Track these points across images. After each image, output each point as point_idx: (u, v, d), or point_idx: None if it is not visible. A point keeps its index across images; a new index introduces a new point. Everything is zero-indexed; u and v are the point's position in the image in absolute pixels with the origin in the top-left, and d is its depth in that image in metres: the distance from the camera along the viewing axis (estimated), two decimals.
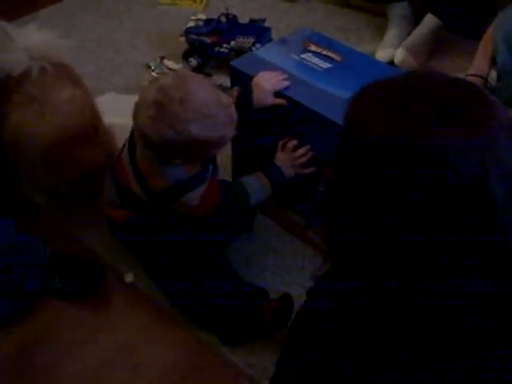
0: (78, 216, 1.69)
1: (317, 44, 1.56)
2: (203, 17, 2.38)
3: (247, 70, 1.50)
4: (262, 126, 1.54)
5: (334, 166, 0.82)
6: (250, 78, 1.46)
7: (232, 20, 2.32)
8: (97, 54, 2.36)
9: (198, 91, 1.27)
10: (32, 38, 1.59)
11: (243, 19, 2.40)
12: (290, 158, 1.49)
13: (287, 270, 1.60)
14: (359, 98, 0.79)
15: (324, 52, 1.53)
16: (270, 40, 2.29)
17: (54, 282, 1.52)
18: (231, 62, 1.57)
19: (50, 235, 1.64)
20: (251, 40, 2.22)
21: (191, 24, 2.30)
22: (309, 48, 1.55)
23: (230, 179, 1.78)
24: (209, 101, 1.27)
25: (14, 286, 1.44)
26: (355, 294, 0.78)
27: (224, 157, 1.77)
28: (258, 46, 2.20)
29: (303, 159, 1.48)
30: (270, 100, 1.44)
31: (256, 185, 1.48)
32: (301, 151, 1.48)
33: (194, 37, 2.26)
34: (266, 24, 2.39)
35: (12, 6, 2.43)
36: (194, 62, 2.25)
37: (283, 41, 1.61)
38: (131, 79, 2.23)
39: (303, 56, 1.53)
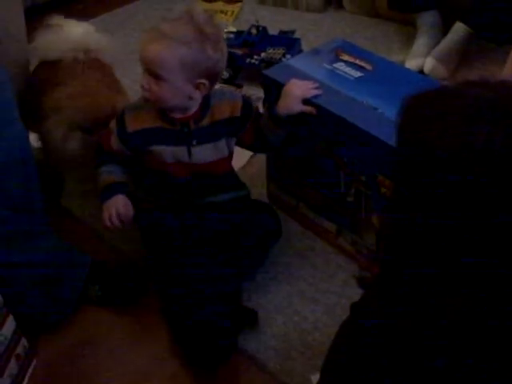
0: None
1: (349, 53, 1.58)
2: (234, 29, 2.42)
3: (279, 79, 1.52)
4: (294, 134, 1.56)
5: (391, 179, 0.81)
6: (281, 87, 1.48)
7: (262, 32, 2.36)
8: (131, 67, 2.40)
9: None
10: (72, 30, 1.79)
11: (273, 30, 2.44)
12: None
13: (320, 277, 1.61)
14: (414, 108, 0.78)
15: (356, 61, 1.55)
16: (300, 51, 2.32)
17: (94, 291, 1.54)
18: (264, 71, 1.60)
19: (90, 245, 1.67)
20: (281, 51, 2.26)
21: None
22: (341, 57, 1.57)
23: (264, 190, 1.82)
24: None
25: (54, 294, 1.47)
26: (411, 315, 0.77)
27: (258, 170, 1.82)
28: (288, 56, 2.24)
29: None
30: (299, 107, 1.45)
31: None
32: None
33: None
34: (296, 35, 2.43)
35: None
36: (225, 73, 2.28)
37: (316, 50, 1.63)
38: None
39: (335, 65, 1.55)
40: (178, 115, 1.43)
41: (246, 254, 1.53)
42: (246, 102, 1.52)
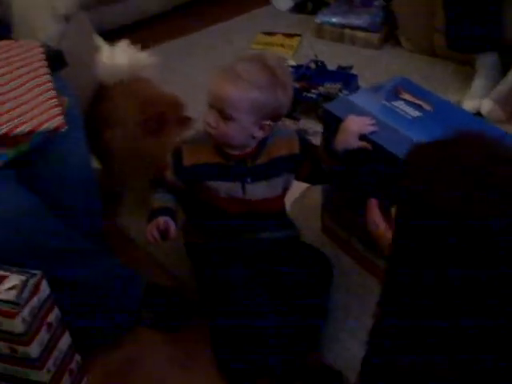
0: (171, 250, 1.74)
1: (409, 92, 1.58)
2: (293, 63, 2.46)
3: (338, 113, 1.54)
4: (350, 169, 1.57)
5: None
6: (340, 121, 1.50)
7: (321, 66, 2.40)
8: (189, 98, 2.46)
9: None
10: (120, 55, 1.89)
11: (330, 65, 2.47)
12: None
13: (368, 313, 1.58)
14: (415, 159, 0.82)
15: (415, 100, 1.56)
16: (357, 87, 2.34)
17: (146, 314, 1.57)
18: (324, 105, 1.62)
19: (144, 266, 1.71)
20: (338, 86, 2.29)
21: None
22: (401, 96, 1.58)
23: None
24: None
25: (109, 314, 1.50)
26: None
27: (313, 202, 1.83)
28: (345, 92, 2.26)
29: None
30: (355, 142, 1.47)
31: None
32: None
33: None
34: (353, 71, 2.46)
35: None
36: None
37: (376, 87, 1.65)
38: None
39: (394, 103, 1.56)
40: (235, 152, 1.46)
41: (293, 296, 1.51)
42: (302, 138, 1.55)
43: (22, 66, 1.37)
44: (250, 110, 1.37)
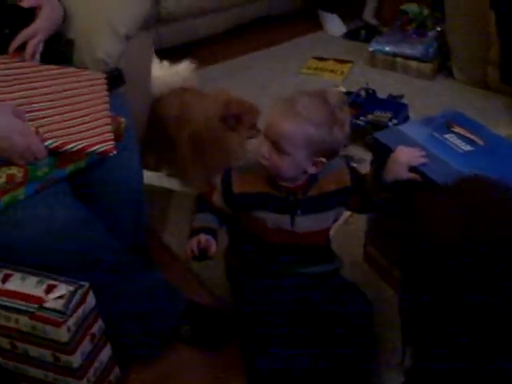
0: (213, 269, 1.74)
1: (461, 126, 1.58)
2: (343, 89, 2.47)
3: (389, 143, 1.54)
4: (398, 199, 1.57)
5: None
6: (390, 151, 1.50)
7: (371, 94, 2.41)
8: None
9: None
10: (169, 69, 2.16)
11: (380, 93, 2.48)
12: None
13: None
14: (423, 199, 0.91)
15: (467, 134, 1.55)
16: (407, 117, 2.34)
17: (185, 330, 1.58)
18: (374, 134, 1.62)
19: (185, 283, 1.73)
20: (388, 115, 2.29)
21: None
22: (452, 129, 1.57)
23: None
24: None
25: (149, 328, 1.52)
26: None
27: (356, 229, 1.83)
28: (394, 121, 2.27)
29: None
30: (405, 174, 1.46)
31: None
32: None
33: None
34: (404, 100, 2.46)
35: None
36: None
37: (428, 119, 1.64)
38: None
39: (446, 136, 1.55)
40: (286, 183, 1.46)
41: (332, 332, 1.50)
42: (352, 169, 1.54)
43: (86, 94, 1.42)
44: (305, 146, 1.36)
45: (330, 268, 1.61)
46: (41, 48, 1.47)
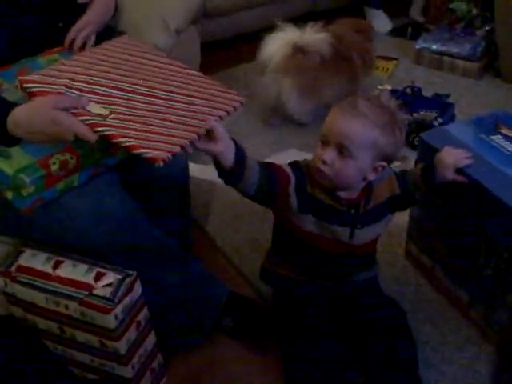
0: (255, 262, 1.74)
1: (509, 127, 1.57)
2: (389, 87, 2.46)
3: (435, 144, 1.54)
4: (442, 201, 1.57)
5: None
6: (436, 151, 1.50)
7: (417, 93, 2.39)
8: None
9: None
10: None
11: (426, 92, 2.46)
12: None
13: (448, 346, 1.58)
14: None
15: None
16: (453, 116, 2.32)
17: (226, 321, 1.61)
18: (421, 134, 1.61)
19: (227, 276, 1.75)
20: (434, 114, 2.28)
21: (376, 93, 2.39)
22: (500, 130, 1.56)
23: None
24: None
25: (191, 319, 1.55)
26: None
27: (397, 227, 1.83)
28: (439, 120, 2.25)
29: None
30: (451, 175, 1.45)
31: None
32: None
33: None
34: (450, 99, 2.43)
35: None
36: None
37: (475, 119, 1.63)
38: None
39: (493, 137, 1.54)
40: (343, 195, 1.42)
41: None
42: (398, 175, 1.51)
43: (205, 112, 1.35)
44: (371, 149, 1.34)
45: (373, 274, 1.61)
46: (92, 41, 1.49)
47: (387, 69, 2.84)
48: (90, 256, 1.32)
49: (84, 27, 1.47)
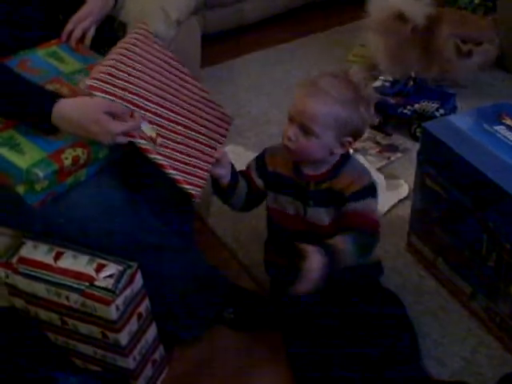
0: (256, 253, 1.75)
1: None
2: (390, 78, 2.44)
3: (438, 134, 1.54)
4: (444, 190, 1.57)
5: None
6: (440, 142, 1.50)
7: (419, 83, 2.37)
8: (284, 103, 2.49)
9: None
10: None
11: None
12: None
13: (449, 338, 1.57)
14: None
15: None
16: (455, 107, 2.31)
17: (227, 313, 1.61)
18: (424, 124, 1.61)
19: (229, 268, 1.76)
20: (435, 105, 2.27)
21: (378, 84, 2.38)
22: (503, 121, 1.55)
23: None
24: None
25: (193, 311, 1.55)
26: None
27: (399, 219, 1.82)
28: (441, 111, 2.24)
29: None
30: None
31: None
32: None
33: (379, 95, 2.33)
34: (451, 90, 2.42)
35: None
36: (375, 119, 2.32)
37: (479, 110, 1.63)
38: None
39: (496, 128, 1.54)
40: (308, 171, 1.44)
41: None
42: (369, 185, 1.43)
43: (211, 129, 1.49)
44: (333, 126, 1.34)
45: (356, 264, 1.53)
46: (92, 32, 1.49)
47: None
48: (92, 247, 1.32)
49: (83, 18, 1.47)
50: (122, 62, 1.31)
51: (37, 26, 1.45)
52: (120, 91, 1.25)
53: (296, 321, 1.51)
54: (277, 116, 2.43)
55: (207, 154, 1.41)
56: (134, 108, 1.27)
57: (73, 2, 1.48)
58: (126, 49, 1.35)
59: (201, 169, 1.37)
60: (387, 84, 2.38)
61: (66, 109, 1.21)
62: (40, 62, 1.40)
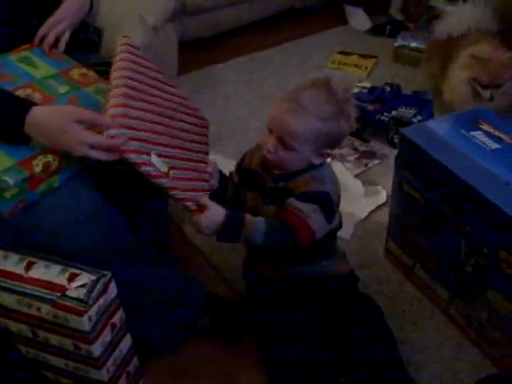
0: (234, 262, 1.75)
1: (488, 123, 1.56)
2: (368, 85, 2.45)
3: (415, 140, 1.53)
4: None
5: None
6: (417, 147, 1.50)
7: (395, 90, 2.38)
8: (262, 111, 2.47)
9: None
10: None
11: (406, 89, 2.45)
12: None
13: (428, 344, 1.56)
14: None
15: (495, 132, 1.53)
16: (432, 113, 2.32)
17: (204, 322, 1.58)
18: (402, 130, 1.60)
19: (206, 277, 1.72)
20: (413, 111, 2.27)
21: (356, 90, 2.38)
22: (480, 126, 1.56)
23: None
24: None
25: (169, 321, 1.52)
26: None
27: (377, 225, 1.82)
28: (418, 117, 2.25)
29: None
30: None
31: None
32: None
33: (356, 102, 2.33)
34: (428, 96, 2.43)
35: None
36: None
37: (456, 116, 1.63)
38: None
39: (473, 133, 1.54)
40: (277, 171, 1.43)
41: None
42: (320, 194, 1.39)
43: (197, 135, 1.49)
44: (313, 141, 1.34)
45: (320, 270, 1.54)
46: (67, 37, 1.47)
47: (366, 67, 2.84)
48: (63, 256, 1.28)
49: (56, 23, 1.45)
50: (131, 97, 1.29)
51: (9, 30, 1.43)
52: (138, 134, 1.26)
53: (273, 327, 1.49)
54: (255, 124, 2.42)
55: (202, 171, 1.42)
56: (151, 146, 1.27)
57: (47, 5, 1.46)
58: (128, 78, 1.33)
59: (201, 190, 1.38)
60: (365, 90, 2.39)
61: (38, 117, 1.19)
62: (12, 68, 1.38)
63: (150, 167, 1.24)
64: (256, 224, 1.35)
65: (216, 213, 1.33)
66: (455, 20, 2.44)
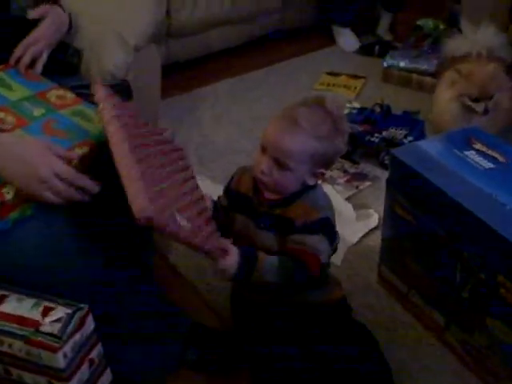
0: (220, 290, 1.71)
1: (481, 142, 1.54)
2: (358, 105, 2.42)
3: (407, 160, 1.50)
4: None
5: None
6: (408, 168, 1.47)
7: (386, 110, 2.35)
8: (252, 132, 2.43)
9: None
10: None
11: (396, 110, 2.43)
12: None
13: (424, 373, 1.51)
14: None
15: (488, 152, 1.51)
16: (423, 133, 2.28)
17: (190, 354, 1.52)
18: (393, 151, 1.57)
19: (191, 306, 1.67)
20: (403, 132, 2.25)
21: (345, 111, 2.34)
22: (473, 146, 1.53)
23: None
24: None
25: (153, 354, 1.46)
26: None
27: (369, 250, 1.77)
28: (409, 138, 2.22)
29: None
30: None
31: None
32: None
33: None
34: (419, 116, 2.41)
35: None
36: None
37: (448, 135, 1.61)
38: None
39: (466, 153, 1.51)
40: (267, 194, 1.39)
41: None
42: (321, 220, 1.37)
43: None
44: (308, 160, 1.32)
45: (313, 298, 1.48)
46: (44, 58, 1.45)
47: (355, 87, 2.81)
48: (37, 288, 1.23)
49: (33, 43, 1.43)
50: (144, 174, 1.22)
51: None
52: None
53: (262, 357, 1.45)
54: (245, 145, 2.37)
55: (205, 210, 1.39)
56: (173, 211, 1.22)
57: (23, 25, 1.44)
58: (131, 151, 1.24)
59: (214, 232, 1.35)
60: (354, 111, 2.36)
61: (6, 142, 1.17)
62: None
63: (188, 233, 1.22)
64: (268, 260, 1.32)
65: (235, 253, 1.30)
66: (459, 42, 2.39)
